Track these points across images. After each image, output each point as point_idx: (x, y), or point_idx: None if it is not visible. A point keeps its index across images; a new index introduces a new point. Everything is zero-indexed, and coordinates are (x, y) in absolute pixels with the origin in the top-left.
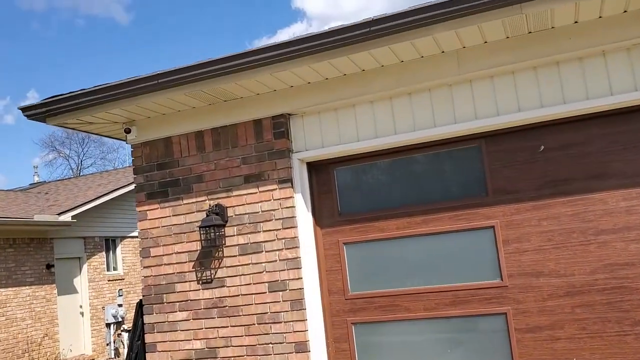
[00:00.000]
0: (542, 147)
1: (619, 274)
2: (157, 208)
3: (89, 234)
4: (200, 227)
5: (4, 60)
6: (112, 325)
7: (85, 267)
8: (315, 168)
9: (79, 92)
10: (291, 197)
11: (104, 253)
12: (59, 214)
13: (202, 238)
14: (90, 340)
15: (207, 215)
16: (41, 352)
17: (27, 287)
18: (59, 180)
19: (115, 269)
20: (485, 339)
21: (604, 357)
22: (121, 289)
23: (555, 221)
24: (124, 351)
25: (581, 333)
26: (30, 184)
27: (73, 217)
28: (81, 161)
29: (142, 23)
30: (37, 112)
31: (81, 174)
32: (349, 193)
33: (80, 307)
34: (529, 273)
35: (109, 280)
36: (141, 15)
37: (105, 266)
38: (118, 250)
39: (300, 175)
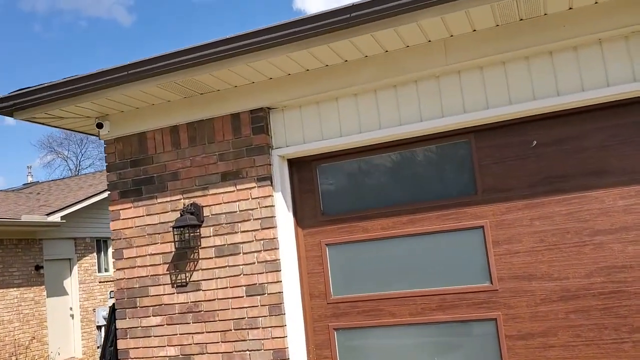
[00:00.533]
0: (535, 142)
1: (616, 278)
2: (131, 207)
3: (79, 235)
4: (174, 227)
5: (5, 62)
6: (103, 328)
7: (75, 268)
8: (297, 165)
9: (47, 84)
10: (270, 195)
11: (95, 254)
12: (48, 214)
13: (177, 239)
14: (80, 342)
15: (182, 215)
16: (29, 355)
17: (14, 289)
18: (52, 180)
19: (106, 270)
20: (474, 346)
21: None
22: (112, 291)
23: (548, 221)
24: None
25: (576, 340)
26: (24, 184)
27: (62, 217)
28: (79, 162)
29: (144, 24)
30: (4, 106)
31: (79, 174)
32: (332, 191)
33: (71, 309)
34: (521, 276)
35: (100, 282)
36: (143, 17)
37: (96, 267)
38: (110, 251)
39: (281, 172)
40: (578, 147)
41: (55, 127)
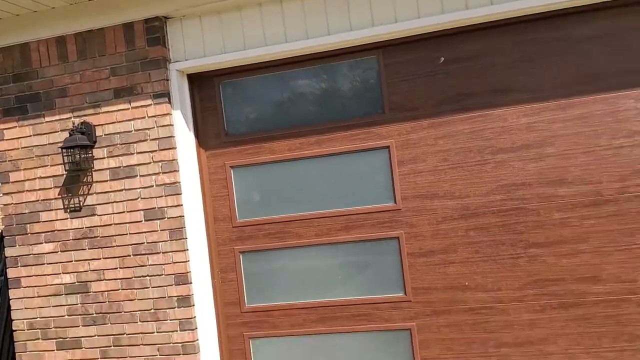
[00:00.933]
0: (442, 58)
1: (515, 195)
2: (16, 127)
3: None
4: (62, 148)
5: None
6: None
7: None
8: (198, 81)
9: None
10: (169, 114)
11: None
12: None
13: (67, 161)
14: None
15: (71, 135)
16: None
17: None
18: None
19: None
20: (377, 265)
21: (496, 280)
22: None
23: (452, 140)
24: None
25: (474, 256)
26: None
27: None
28: None
29: None
30: None
31: None
32: (237, 110)
33: None
34: (424, 195)
35: None
36: None
37: None
38: None
39: (180, 89)
40: (484, 64)
41: None
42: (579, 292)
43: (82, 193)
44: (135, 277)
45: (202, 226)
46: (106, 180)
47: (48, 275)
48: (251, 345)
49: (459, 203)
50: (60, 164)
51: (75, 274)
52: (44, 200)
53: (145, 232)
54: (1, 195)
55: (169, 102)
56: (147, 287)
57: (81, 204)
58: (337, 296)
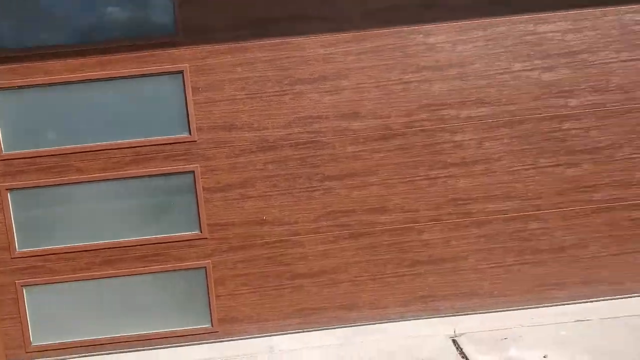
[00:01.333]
0: None
1: (312, 128)
2: None
3: None
4: None
5: None
6: None
7: None
8: None
9: None
10: None
11: None
12: None
13: None
14: None
15: None
16: None
17: None
18: None
19: None
20: (170, 201)
21: (293, 213)
22: None
23: (250, 67)
24: None
25: (272, 190)
26: None
27: None
28: None
29: None
30: None
31: None
32: (4, 20)
33: None
34: (221, 126)
35: None
36: None
37: None
38: None
39: None
40: None
41: None
42: (368, 222)
43: None
44: None
45: None
46: None
47: None
48: (25, 293)
49: (257, 135)
50: None
51: None
52: None
53: None
54: None
55: None
56: None
57: None
58: (126, 237)
